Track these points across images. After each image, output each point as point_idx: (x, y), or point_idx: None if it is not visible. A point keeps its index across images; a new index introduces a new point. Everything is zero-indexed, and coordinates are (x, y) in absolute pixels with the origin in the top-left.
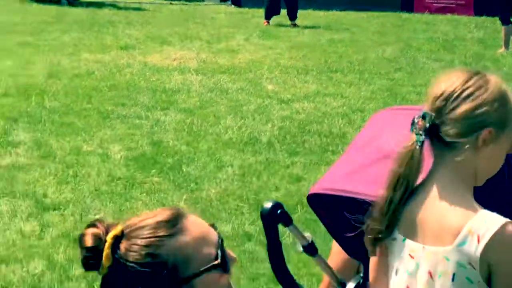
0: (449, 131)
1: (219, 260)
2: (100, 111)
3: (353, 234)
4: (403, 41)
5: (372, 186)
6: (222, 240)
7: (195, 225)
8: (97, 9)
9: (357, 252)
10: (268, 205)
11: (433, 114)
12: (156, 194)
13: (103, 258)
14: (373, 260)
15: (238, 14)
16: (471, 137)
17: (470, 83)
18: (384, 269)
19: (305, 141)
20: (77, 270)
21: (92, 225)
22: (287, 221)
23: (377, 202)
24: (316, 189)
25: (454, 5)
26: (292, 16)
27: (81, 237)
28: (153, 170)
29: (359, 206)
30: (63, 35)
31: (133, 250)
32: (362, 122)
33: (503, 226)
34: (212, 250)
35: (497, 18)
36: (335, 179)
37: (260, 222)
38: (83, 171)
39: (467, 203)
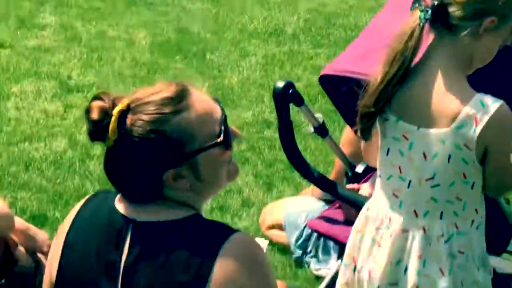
0: (455, 12)
1: (221, 138)
2: None
3: None
4: None
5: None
6: (225, 117)
7: (200, 102)
8: None
9: None
10: (280, 84)
11: None
12: (178, 80)
13: (109, 132)
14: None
15: None
16: (474, 23)
17: None
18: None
19: (330, 33)
20: (98, 149)
21: (99, 98)
22: (299, 100)
23: (372, 77)
24: (326, 70)
25: None
26: None
27: (88, 110)
28: (177, 57)
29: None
30: None
31: (138, 125)
32: None
33: (499, 108)
34: (215, 127)
35: None
36: (345, 61)
37: None
38: (107, 55)
39: (463, 87)
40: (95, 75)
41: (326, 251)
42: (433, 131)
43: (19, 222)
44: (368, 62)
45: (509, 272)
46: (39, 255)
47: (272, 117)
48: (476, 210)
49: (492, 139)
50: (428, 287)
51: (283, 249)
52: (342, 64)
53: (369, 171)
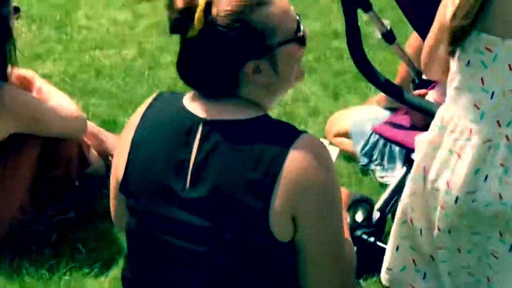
0: None
1: (301, 33)
2: None
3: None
4: None
5: None
6: (300, 16)
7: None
8: None
9: None
10: None
11: None
12: None
13: (195, 20)
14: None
15: None
16: None
17: None
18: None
19: None
20: (166, 58)
21: None
22: (367, 5)
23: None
24: None
25: None
26: None
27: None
28: None
29: None
30: None
31: (223, 14)
32: None
33: None
34: (294, 25)
35: None
36: None
37: None
38: None
39: None
40: None
41: (392, 159)
42: None
43: (91, 126)
44: None
45: None
46: (110, 158)
47: (339, 27)
48: None
49: None
50: (510, 194)
51: (349, 157)
52: None
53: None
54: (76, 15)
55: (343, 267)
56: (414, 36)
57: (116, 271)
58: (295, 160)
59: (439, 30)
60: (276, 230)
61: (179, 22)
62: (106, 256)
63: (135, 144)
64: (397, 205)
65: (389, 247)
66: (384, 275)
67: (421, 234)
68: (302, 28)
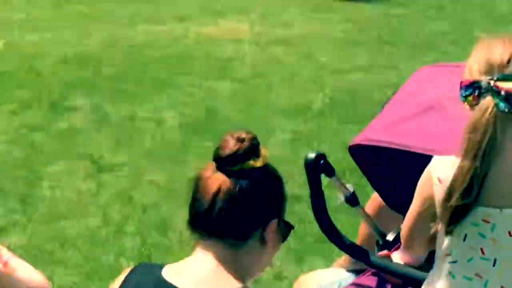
0: None
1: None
2: (155, 79)
3: (393, 185)
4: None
5: (412, 138)
6: None
7: None
8: None
9: (397, 204)
10: (311, 155)
11: None
12: (209, 159)
13: (261, 156)
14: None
15: None
16: None
17: None
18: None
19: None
20: (131, 227)
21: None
22: (330, 171)
23: (458, 172)
24: (357, 140)
25: None
26: None
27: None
28: (206, 135)
29: (400, 155)
30: (119, 6)
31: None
32: None
33: None
34: None
35: None
36: (375, 131)
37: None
38: (137, 135)
39: None
40: (125, 155)
41: None
42: None
43: None
44: (401, 132)
45: None
46: None
47: (301, 192)
48: None
49: None
50: None
51: None
52: (372, 133)
53: (400, 239)
54: (41, 186)
55: None
56: (374, 196)
57: None
58: None
59: (422, 207)
60: None
61: (243, 154)
62: None
63: None
64: None
65: None
66: None
67: None
68: None
